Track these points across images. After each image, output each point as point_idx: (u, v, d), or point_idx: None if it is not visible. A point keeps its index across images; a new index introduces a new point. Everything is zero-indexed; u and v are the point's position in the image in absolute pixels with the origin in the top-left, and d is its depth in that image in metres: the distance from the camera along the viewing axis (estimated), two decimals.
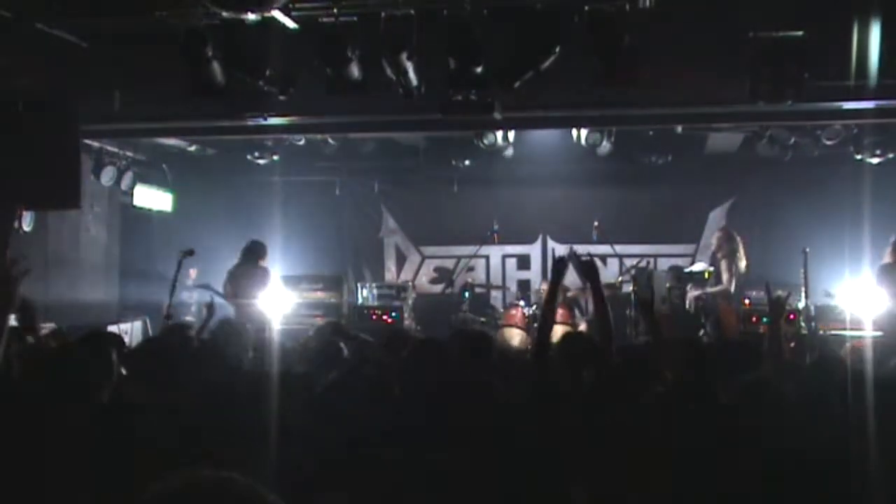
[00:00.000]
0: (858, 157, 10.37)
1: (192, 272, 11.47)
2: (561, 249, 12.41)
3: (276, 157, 11.34)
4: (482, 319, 11.25)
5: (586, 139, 10.42)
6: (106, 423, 3.46)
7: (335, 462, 3.14)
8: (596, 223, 11.45)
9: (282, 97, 7.72)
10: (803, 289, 9.10)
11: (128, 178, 10.93)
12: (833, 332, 9.15)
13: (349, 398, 3.73)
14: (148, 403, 3.64)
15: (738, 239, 9.86)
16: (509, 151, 11.05)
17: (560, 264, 4.47)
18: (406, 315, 11.00)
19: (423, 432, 3.31)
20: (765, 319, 9.47)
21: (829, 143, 10.31)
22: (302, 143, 11.19)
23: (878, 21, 6.58)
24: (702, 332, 9.32)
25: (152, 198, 11.70)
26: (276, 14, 6.76)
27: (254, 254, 9.10)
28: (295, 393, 3.73)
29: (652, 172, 11.33)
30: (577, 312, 10.88)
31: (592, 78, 7.09)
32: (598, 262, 11.97)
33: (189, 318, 11.33)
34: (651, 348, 4.24)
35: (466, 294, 11.18)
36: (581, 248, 11.84)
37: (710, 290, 9.79)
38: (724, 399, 3.66)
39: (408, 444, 3.21)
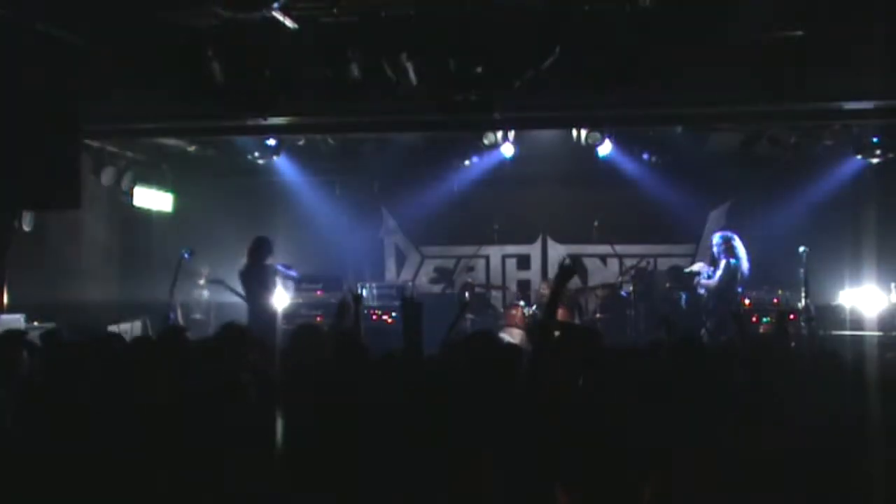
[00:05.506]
0: (858, 156, 10.38)
1: (205, 271, 11.43)
2: (561, 250, 12.44)
3: (276, 157, 11.34)
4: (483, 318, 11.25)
5: (586, 139, 10.42)
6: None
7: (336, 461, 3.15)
8: (596, 223, 11.46)
9: (282, 97, 7.72)
10: (803, 289, 9.10)
11: (128, 178, 10.93)
12: (833, 332, 9.17)
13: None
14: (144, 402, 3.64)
15: (739, 242, 9.81)
16: (509, 151, 11.05)
17: (566, 272, 4.46)
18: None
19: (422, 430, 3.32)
20: (765, 319, 9.49)
21: (829, 143, 10.32)
22: (302, 143, 11.19)
23: (879, 21, 6.58)
24: (703, 330, 9.32)
25: (152, 198, 11.70)
26: (276, 14, 6.76)
27: (260, 252, 9.02)
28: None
29: (652, 172, 11.33)
30: (576, 312, 10.88)
31: (592, 78, 7.09)
32: (599, 262, 12.20)
33: (198, 316, 11.35)
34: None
35: (466, 294, 11.18)
36: (581, 249, 12.06)
37: (704, 281, 9.81)
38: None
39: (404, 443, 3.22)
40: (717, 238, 9.89)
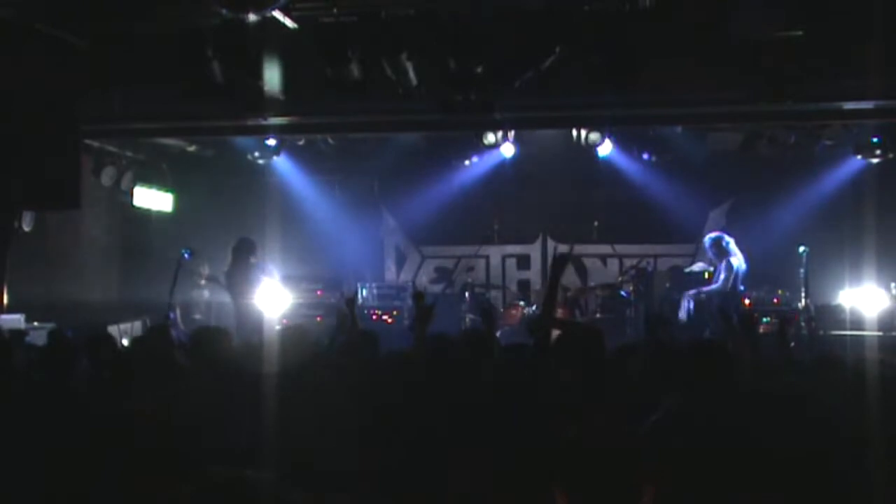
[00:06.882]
0: (858, 157, 10.38)
1: (204, 271, 11.42)
2: (560, 248, 12.42)
3: (276, 157, 11.34)
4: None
5: (586, 139, 10.42)
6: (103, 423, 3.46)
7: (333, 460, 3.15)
8: (596, 223, 11.45)
9: (282, 97, 7.72)
10: (803, 289, 9.09)
11: (128, 178, 10.93)
12: (833, 332, 9.17)
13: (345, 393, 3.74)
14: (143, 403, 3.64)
15: (730, 241, 9.76)
16: (509, 151, 11.06)
17: (560, 261, 4.49)
18: (406, 315, 11.01)
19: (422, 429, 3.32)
20: (765, 319, 9.47)
21: (829, 143, 10.32)
22: (302, 143, 11.19)
23: (879, 21, 6.57)
24: (706, 331, 9.31)
25: (152, 198, 11.70)
26: (276, 14, 6.76)
27: (243, 251, 9.09)
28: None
29: (652, 172, 11.33)
30: (577, 312, 10.88)
31: (592, 78, 7.09)
32: (599, 262, 12.20)
33: (198, 316, 11.36)
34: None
35: (466, 294, 11.18)
36: (581, 249, 12.05)
37: (704, 289, 9.76)
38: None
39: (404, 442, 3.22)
40: (707, 241, 9.86)
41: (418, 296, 5.06)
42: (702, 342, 5.40)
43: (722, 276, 9.53)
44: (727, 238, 9.71)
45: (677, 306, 10.13)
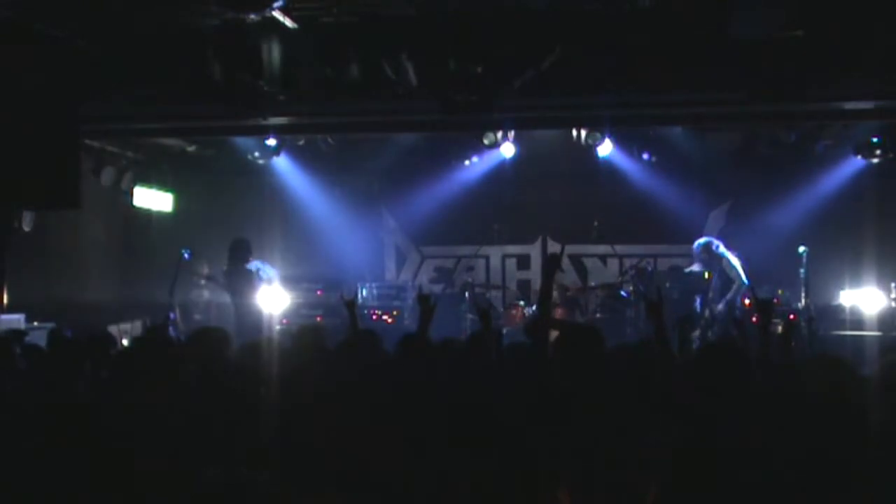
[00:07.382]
0: (858, 157, 10.38)
1: (204, 271, 11.41)
2: (555, 248, 12.43)
3: (276, 157, 11.34)
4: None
5: (586, 138, 10.42)
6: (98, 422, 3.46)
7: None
8: (596, 223, 11.45)
9: (282, 97, 7.72)
10: (803, 289, 9.09)
11: (128, 178, 10.93)
12: (833, 332, 9.16)
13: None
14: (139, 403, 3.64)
15: (719, 244, 9.66)
16: (509, 151, 11.06)
17: (552, 261, 4.51)
18: (406, 315, 11.01)
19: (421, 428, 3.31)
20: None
21: (828, 143, 10.32)
22: (302, 143, 11.19)
23: (879, 21, 6.58)
24: (708, 332, 9.29)
25: (152, 198, 11.70)
26: (276, 14, 6.76)
27: (239, 252, 9.09)
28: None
29: (652, 172, 11.33)
30: (577, 312, 10.88)
31: (592, 78, 7.09)
32: (599, 262, 12.20)
33: (198, 317, 11.35)
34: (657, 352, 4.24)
35: (466, 294, 11.18)
36: (581, 249, 12.06)
37: (728, 297, 9.56)
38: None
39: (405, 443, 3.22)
40: (696, 247, 9.73)
41: (423, 298, 5.07)
42: (711, 344, 5.41)
43: (735, 275, 9.40)
44: (716, 241, 9.64)
45: (676, 306, 10.10)
